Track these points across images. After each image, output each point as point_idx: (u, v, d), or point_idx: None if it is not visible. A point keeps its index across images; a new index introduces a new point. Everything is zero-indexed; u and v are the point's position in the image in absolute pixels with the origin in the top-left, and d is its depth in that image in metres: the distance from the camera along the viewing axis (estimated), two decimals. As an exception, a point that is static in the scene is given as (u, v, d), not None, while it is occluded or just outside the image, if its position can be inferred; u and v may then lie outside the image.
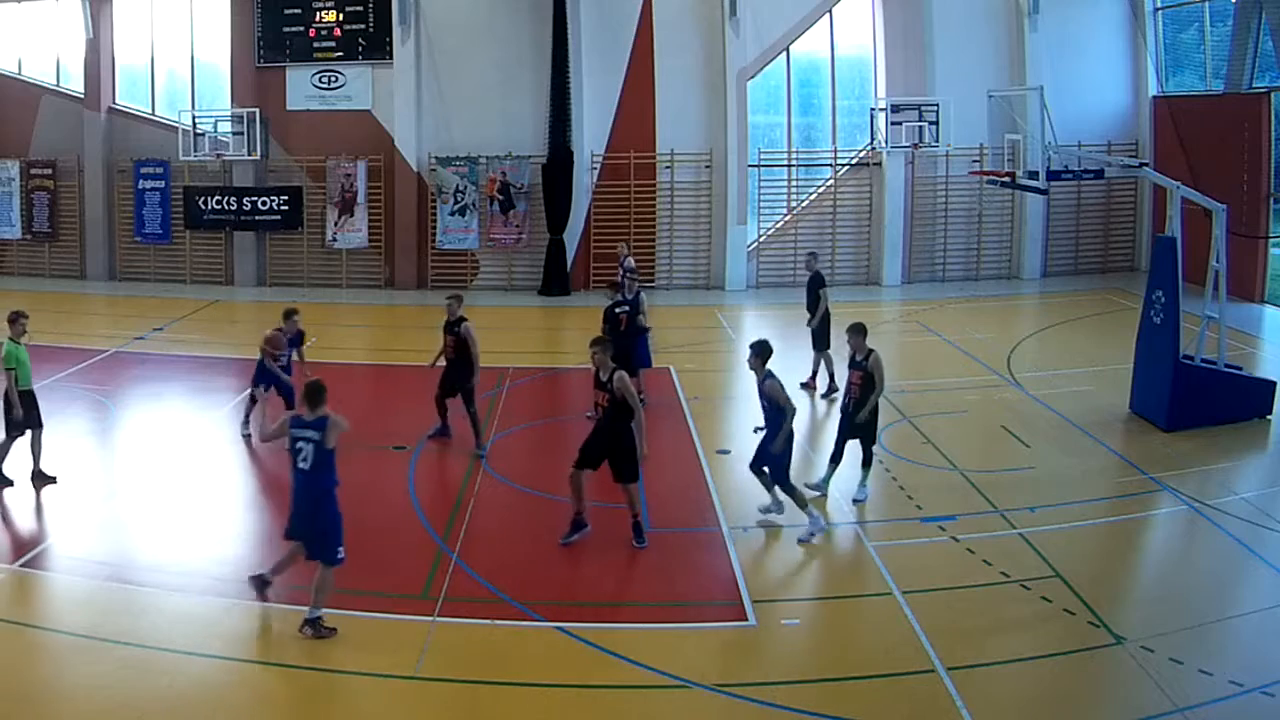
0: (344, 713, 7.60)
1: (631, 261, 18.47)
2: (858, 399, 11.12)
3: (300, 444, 8.37)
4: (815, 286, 15.16)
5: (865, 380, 11.06)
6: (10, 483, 11.65)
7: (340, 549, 8.41)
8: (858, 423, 11.14)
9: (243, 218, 24.72)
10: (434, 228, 24.25)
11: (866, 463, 11.38)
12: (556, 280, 23.61)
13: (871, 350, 11.10)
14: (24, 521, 10.93)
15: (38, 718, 7.42)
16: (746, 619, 8.90)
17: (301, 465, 8.37)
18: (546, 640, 8.44)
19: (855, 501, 11.31)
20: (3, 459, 11.65)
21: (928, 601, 9.03)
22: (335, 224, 24.55)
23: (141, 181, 25.10)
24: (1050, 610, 8.88)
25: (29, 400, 11.66)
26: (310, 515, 8.44)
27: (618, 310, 14.11)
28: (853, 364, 11.24)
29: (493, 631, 8.60)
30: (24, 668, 8.04)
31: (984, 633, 8.72)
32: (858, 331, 11.22)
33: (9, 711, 7.41)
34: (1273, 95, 20.56)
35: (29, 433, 11.65)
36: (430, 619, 8.79)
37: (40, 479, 11.68)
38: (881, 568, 9.76)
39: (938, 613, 8.84)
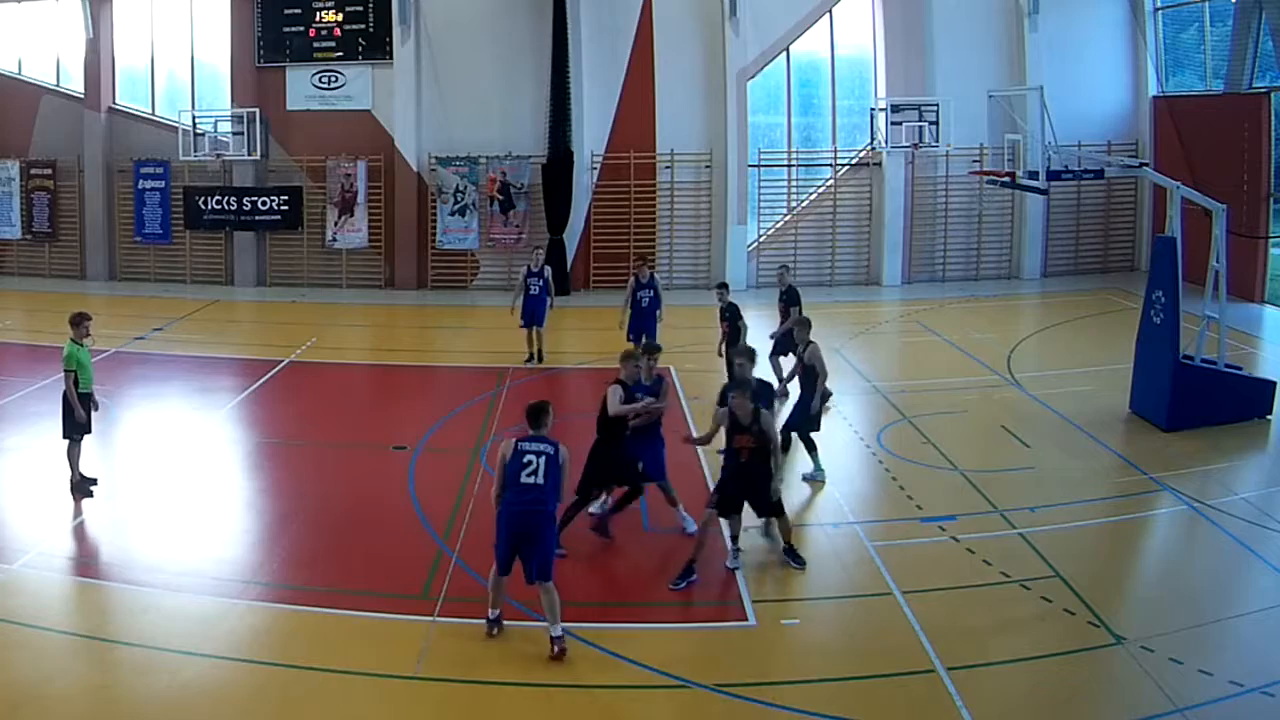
0: (344, 713, 7.58)
1: (548, 271, 17.82)
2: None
3: (530, 458, 8.03)
4: (792, 302, 15.28)
5: (807, 371, 11.79)
6: (95, 481, 11.62)
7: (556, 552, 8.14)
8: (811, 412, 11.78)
9: (243, 218, 24.72)
10: (434, 228, 24.24)
11: (812, 448, 11.89)
12: (556, 280, 23.50)
13: (811, 342, 11.86)
14: (24, 521, 10.91)
15: (38, 718, 7.41)
16: (746, 619, 8.91)
17: (530, 479, 8.02)
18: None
19: (806, 478, 11.78)
20: (77, 464, 11.58)
21: (928, 601, 9.03)
22: (335, 224, 24.54)
23: (141, 181, 25.10)
24: (1050, 610, 8.88)
25: (86, 405, 11.58)
26: (537, 534, 8.08)
27: (726, 314, 14.96)
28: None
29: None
30: (23, 668, 8.02)
31: (984, 633, 8.72)
32: (804, 325, 12.10)
33: (8, 712, 7.41)
34: (1273, 95, 20.54)
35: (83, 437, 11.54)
36: (430, 619, 8.79)
37: (81, 487, 11.55)
38: (881, 568, 9.76)
39: (938, 613, 8.84)
